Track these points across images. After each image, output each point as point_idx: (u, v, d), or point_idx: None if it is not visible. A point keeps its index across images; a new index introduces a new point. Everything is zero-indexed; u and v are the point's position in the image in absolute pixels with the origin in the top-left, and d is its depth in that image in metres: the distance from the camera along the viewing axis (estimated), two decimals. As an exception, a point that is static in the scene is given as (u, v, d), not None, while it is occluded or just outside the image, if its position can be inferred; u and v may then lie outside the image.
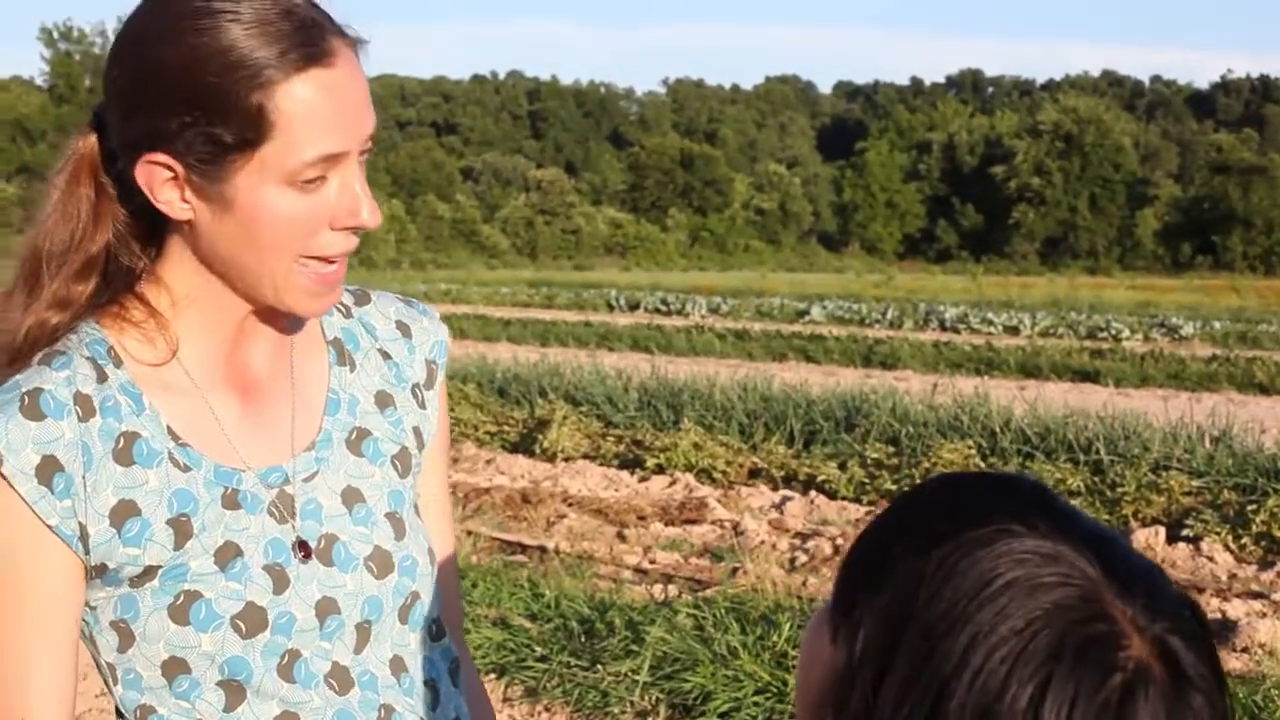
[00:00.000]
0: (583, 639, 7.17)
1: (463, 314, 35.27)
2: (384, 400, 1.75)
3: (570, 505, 11.31)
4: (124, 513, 1.53)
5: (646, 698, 6.42)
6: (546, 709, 6.59)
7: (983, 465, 11.89)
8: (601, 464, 13.19)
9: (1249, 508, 10.05)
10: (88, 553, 1.52)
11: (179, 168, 1.50)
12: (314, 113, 1.49)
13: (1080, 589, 0.97)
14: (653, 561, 9.49)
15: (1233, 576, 9.28)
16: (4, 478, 1.49)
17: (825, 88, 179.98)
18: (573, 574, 8.75)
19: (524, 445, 14.01)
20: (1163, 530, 10.06)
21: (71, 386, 1.53)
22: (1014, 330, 33.92)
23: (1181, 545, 9.85)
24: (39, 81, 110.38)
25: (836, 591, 1.06)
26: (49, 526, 1.50)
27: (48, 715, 1.52)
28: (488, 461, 13.27)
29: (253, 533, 1.60)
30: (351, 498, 1.68)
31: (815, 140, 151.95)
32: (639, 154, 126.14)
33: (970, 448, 12.32)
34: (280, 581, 1.60)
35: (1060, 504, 1.04)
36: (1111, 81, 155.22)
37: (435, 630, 1.76)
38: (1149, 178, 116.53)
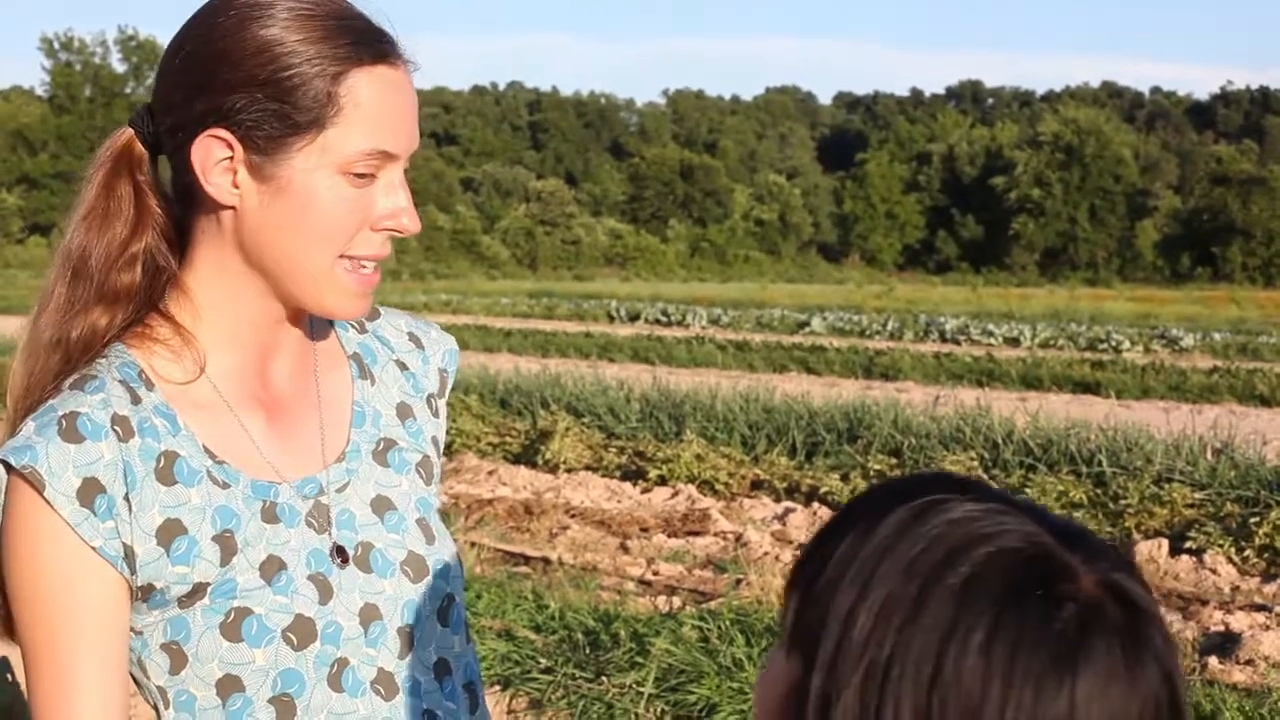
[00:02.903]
0: (587, 651, 7.17)
1: (463, 324, 35.22)
2: (404, 411, 1.79)
3: (573, 516, 11.32)
4: (171, 531, 1.54)
5: (651, 710, 6.41)
6: (551, 721, 6.58)
7: (985, 477, 11.89)
8: (604, 475, 13.19)
9: (1252, 520, 10.05)
10: (134, 573, 1.53)
11: (238, 147, 1.54)
12: (377, 106, 1.55)
13: (1023, 536, 0.99)
14: (656, 573, 9.49)
15: (1236, 589, 9.28)
16: (46, 502, 1.49)
17: (825, 99, 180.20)
18: (576, 585, 8.75)
19: (526, 456, 14.01)
20: (1165, 543, 10.05)
21: (108, 409, 1.54)
22: (1014, 342, 33.93)
23: (1184, 558, 9.85)
24: (39, 91, 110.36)
25: (785, 608, 1.06)
26: (93, 548, 1.50)
27: None
28: (490, 473, 13.27)
29: (294, 545, 1.61)
30: (382, 506, 1.70)
31: (815, 151, 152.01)
32: (639, 165, 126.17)
33: (973, 459, 12.33)
34: (325, 591, 1.62)
35: (990, 486, 1.06)
36: (1111, 93, 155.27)
37: (467, 633, 1.78)
38: (1149, 189, 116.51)
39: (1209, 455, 12.15)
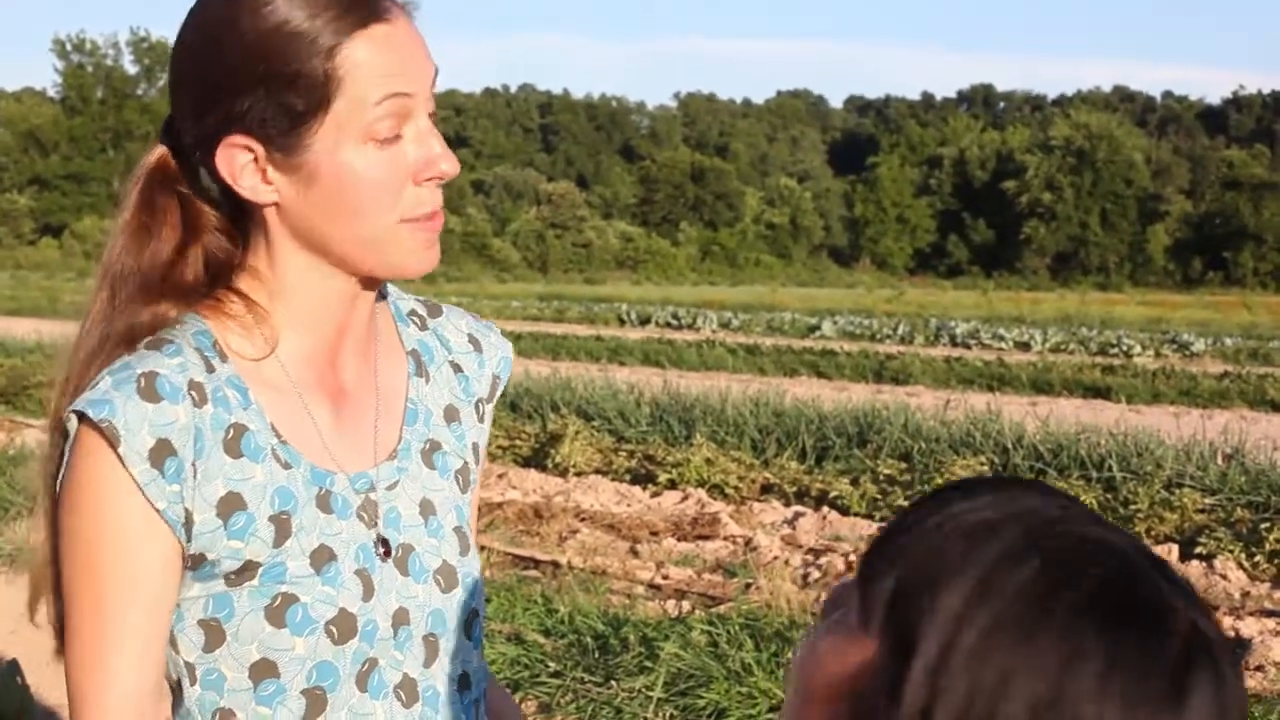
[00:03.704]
0: (596, 655, 7.17)
1: (474, 327, 35.16)
2: (451, 414, 1.78)
3: (582, 520, 11.31)
4: (231, 504, 1.54)
5: (660, 714, 6.42)
6: (560, 725, 6.59)
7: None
8: (613, 479, 13.19)
9: (1262, 526, 10.02)
10: (189, 540, 1.53)
11: (258, 147, 1.53)
12: (376, 64, 1.53)
13: (1129, 563, 0.97)
14: (665, 577, 9.48)
15: (1246, 595, 9.27)
16: (119, 458, 1.48)
17: (836, 102, 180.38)
18: (586, 589, 8.75)
19: (536, 460, 14.01)
20: (1175, 548, 10.05)
21: (185, 373, 1.54)
22: (1025, 346, 33.89)
23: (1194, 563, 9.83)
24: (51, 93, 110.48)
25: (869, 578, 1.01)
26: (157, 510, 1.50)
27: (129, 695, 1.52)
28: (500, 476, 13.28)
29: (344, 538, 1.61)
30: (426, 509, 1.70)
31: (826, 154, 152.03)
32: (650, 168, 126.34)
33: (983, 464, 12.31)
34: (368, 588, 1.61)
35: (1084, 506, 1.03)
36: (1123, 97, 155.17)
37: (483, 648, 1.79)
38: (1160, 193, 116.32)
39: (1219, 460, 12.14)
